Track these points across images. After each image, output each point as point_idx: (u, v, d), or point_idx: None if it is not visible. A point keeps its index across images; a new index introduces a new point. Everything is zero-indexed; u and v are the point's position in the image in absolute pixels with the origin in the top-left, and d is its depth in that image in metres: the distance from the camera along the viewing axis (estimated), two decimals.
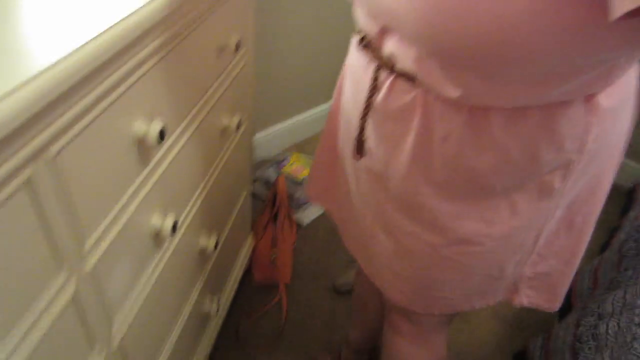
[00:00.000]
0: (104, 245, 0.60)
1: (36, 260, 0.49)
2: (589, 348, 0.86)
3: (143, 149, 0.65)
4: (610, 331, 0.86)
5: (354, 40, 0.66)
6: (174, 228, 0.74)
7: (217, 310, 1.16)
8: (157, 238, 0.74)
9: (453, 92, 0.51)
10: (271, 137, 2.04)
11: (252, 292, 1.55)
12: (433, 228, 0.65)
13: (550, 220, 0.65)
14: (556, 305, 0.77)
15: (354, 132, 0.68)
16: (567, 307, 1.24)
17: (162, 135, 0.63)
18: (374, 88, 0.61)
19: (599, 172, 0.63)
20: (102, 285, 0.61)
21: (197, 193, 0.90)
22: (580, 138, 0.54)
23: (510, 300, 0.77)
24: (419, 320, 0.86)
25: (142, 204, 0.67)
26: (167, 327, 0.90)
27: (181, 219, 0.84)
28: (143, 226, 0.70)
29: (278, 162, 1.96)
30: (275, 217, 1.58)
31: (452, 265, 0.69)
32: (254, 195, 1.87)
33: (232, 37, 0.95)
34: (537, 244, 0.69)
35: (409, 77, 0.55)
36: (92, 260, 0.58)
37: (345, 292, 1.56)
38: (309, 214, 1.81)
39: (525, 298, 0.76)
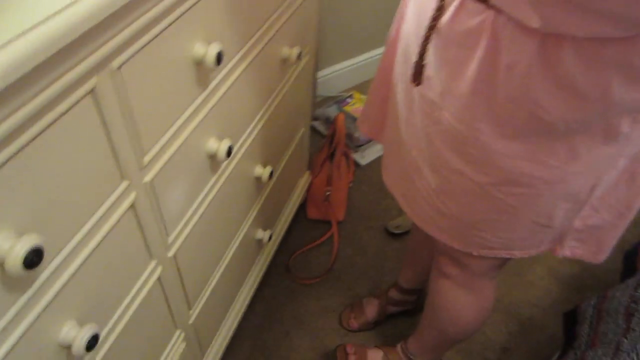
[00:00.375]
0: (162, 160, 0.63)
1: (99, 166, 0.53)
2: None
3: (202, 71, 0.66)
4: None
5: None
6: (229, 153, 0.76)
7: (270, 238, 1.21)
8: (213, 161, 0.77)
9: (533, 21, 0.48)
10: (335, 76, 2.01)
11: (305, 227, 1.60)
12: (483, 166, 0.63)
13: (611, 171, 0.61)
14: (601, 257, 0.74)
15: (413, 57, 0.66)
16: (631, 269, 1.18)
17: (219, 58, 0.64)
18: (441, 8, 0.58)
19: None
20: (160, 198, 0.65)
21: (254, 121, 0.92)
22: None
23: (553, 251, 0.75)
24: (466, 265, 0.85)
25: (199, 125, 0.70)
26: (220, 249, 0.95)
27: (237, 145, 0.86)
28: (199, 147, 0.72)
29: (340, 100, 1.94)
30: (332, 155, 1.59)
31: (498, 206, 0.67)
32: (314, 132, 1.88)
33: None
34: (592, 194, 0.65)
35: None
36: (151, 173, 0.61)
37: (397, 234, 1.57)
38: (367, 155, 1.80)
39: (569, 250, 0.73)
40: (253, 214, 1.08)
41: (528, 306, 1.45)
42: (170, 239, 0.71)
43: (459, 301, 0.91)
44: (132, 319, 0.67)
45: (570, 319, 1.07)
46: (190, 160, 0.71)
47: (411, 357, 1.14)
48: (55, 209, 0.48)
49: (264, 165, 1.03)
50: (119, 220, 0.57)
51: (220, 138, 0.77)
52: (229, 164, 0.85)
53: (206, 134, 0.73)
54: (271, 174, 1.03)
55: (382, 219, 1.63)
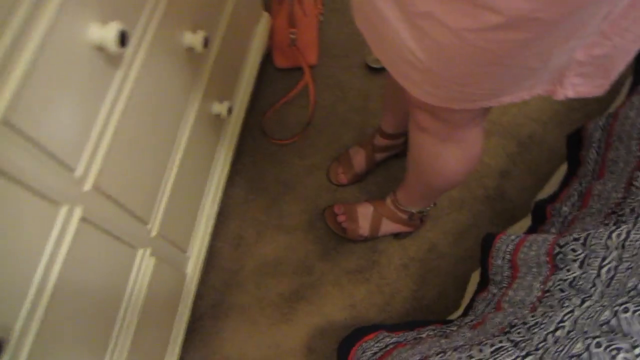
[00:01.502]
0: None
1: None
2: None
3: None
4: None
5: None
6: (122, 40, 0.57)
7: (230, 110, 1.05)
8: (105, 53, 0.58)
9: None
10: None
11: (275, 79, 1.42)
12: (462, 5, 0.45)
13: None
14: (607, 87, 0.59)
15: None
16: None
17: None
18: None
19: None
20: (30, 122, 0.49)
21: None
22: None
23: (552, 94, 0.60)
24: (446, 119, 0.71)
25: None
26: (163, 146, 0.81)
27: (139, 23, 0.65)
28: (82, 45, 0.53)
29: None
30: None
31: (482, 57, 0.51)
32: None
33: None
34: (605, 20, 0.48)
35: None
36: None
37: (380, 68, 1.39)
38: None
39: (571, 89, 0.58)
40: (199, 91, 0.90)
41: (527, 122, 1.34)
42: (78, 172, 0.57)
43: (443, 155, 0.79)
44: (70, 268, 0.57)
45: (575, 143, 0.96)
46: (75, 60, 0.53)
47: (402, 207, 1.08)
48: None
49: (193, 31, 0.82)
50: None
51: (105, 22, 0.56)
52: (137, 49, 0.66)
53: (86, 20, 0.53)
54: (205, 41, 0.83)
55: (360, 53, 1.42)
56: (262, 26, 1.28)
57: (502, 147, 1.31)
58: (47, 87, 0.49)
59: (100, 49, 0.56)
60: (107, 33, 0.54)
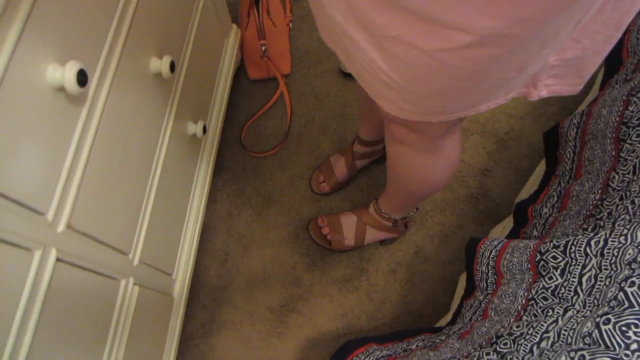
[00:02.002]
0: None
1: None
2: (638, 135, 0.70)
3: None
4: None
5: None
6: (83, 80, 0.55)
7: (205, 129, 1.04)
8: (65, 93, 0.57)
9: None
10: None
11: (250, 91, 1.40)
12: (432, 27, 0.45)
13: None
14: (580, 87, 0.60)
15: None
16: (617, 62, 1.02)
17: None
18: None
19: None
20: None
21: (117, 13, 0.67)
22: None
23: (526, 96, 0.60)
24: (422, 131, 0.71)
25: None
26: (139, 174, 0.80)
27: (102, 55, 0.64)
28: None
29: None
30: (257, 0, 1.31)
31: (456, 74, 0.51)
32: None
33: None
34: (577, 26, 0.48)
35: None
36: None
37: None
38: None
39: (545, 89, 0.59)
40: (171, 114, 0.89)
41: (504, 118, 1.35)
42: (50, 215, 0.56)
43: (422, 165, 0.79)
44: (51, 307, 0.56)
45: (552, 140, 0.97)
46: (31, 99, 0.51)
47: (385, 215, 1.08)
48: None
49: (159, 56, 0.81)
50: None
51: (63, 61, 0.55)
52: (100, 83, 0.64)
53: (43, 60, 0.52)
54: (172, 65, 0.81)
55: (333, 59, 1.42)
56: (231, 40, 1.26)
57: (481, 145, 1.32)
58: (7, 135, 0.48)
59: (61, 89, 0.54)
60: (66, 73, 0.53)
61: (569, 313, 0.53)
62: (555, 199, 0.82)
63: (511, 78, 0.54)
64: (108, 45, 0.64)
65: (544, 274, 0.62)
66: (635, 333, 0.45)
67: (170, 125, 0.89)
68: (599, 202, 0.69)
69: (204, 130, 1.03)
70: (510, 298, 0.68)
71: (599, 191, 0.72)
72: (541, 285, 0.61)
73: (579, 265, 0.57)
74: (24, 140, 0.51)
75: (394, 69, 0.54)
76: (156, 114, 0.84)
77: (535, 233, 0.80)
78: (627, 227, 0.56)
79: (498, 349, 0.59)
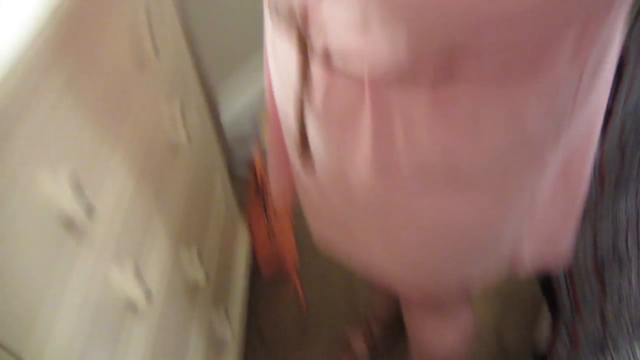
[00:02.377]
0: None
1: None
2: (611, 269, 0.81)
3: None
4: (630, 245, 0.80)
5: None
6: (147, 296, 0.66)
7: (232, 332, 1.12)
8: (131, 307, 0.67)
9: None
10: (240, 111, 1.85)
11: (265, 286, 1.51)
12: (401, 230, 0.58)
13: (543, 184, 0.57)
14: (564, 258, 0.70)
15: (293, 131, 0.57)
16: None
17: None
18: (304, 82, 0.49)
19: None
20: None
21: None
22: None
23: (514, 271, 0.70)
24: (439, 301, 0.80)
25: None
26: None
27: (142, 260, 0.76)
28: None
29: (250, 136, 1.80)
30: (264, 201, 1.50)
31: (447, 255, 0.63)
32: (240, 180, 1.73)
33: None
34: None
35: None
36: None
37: None
38: None
39: (529, 264, 0.69)
40: (202, 324, 0.98)
41: (506, 282, 1.44)
42: None
43: (440, 332, 0.86)
44: None
45: (547, 286, 1.06)
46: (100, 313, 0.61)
47: None
48: None
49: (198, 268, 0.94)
50: None
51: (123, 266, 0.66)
52: (150, 302, 0.75)
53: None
54: (207, 277, 0.94)
55: None
56: (245, 247, 1.42)
57: (490, 305, 1.38)
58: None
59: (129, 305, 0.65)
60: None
61: None
62: (568, 342, 0.87)
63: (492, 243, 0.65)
64: None
65: None
66: None
67: (202, 330, 0.97)
68: (602, 336, 0.76)
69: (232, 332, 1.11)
70: None
71: (600, 325, 0.79)
72: None
73: None
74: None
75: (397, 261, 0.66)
76: (189, 331, 0.93)
77: None
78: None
79: None
